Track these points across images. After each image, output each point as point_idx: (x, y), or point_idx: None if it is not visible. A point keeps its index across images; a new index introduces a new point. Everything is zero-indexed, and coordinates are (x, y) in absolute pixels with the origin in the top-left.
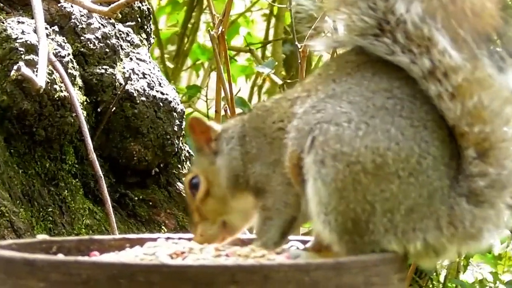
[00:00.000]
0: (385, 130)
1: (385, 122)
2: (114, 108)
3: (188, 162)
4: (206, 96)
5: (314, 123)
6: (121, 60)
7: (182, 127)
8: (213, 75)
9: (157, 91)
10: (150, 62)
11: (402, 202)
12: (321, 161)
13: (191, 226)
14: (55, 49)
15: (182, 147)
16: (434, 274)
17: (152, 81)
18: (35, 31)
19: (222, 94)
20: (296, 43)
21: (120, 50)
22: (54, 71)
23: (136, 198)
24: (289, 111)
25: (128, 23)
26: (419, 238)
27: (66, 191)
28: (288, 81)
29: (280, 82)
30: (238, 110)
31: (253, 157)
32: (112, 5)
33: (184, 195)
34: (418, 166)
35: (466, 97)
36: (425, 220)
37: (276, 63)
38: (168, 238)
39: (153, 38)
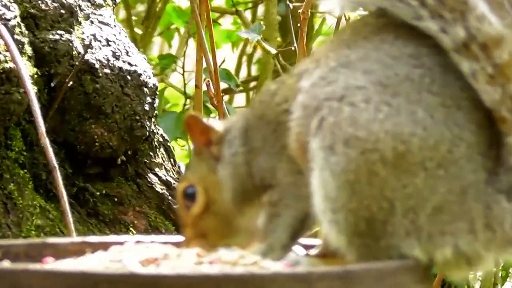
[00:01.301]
0: (410, 111)
1: (411, 100)
2: (71, 82)
3: (161, 149)
4: (183, 68)
5: (323, 99)
6: (80, 23)
7: (155, 105)
8: (191, 43)
9: (123, 62)
10: (115, 26)
11: (428, 199)
12: (330, 146)
13: (182, 242)
14: None
15: (155, 131)
16: (466, 287)
17: (118, 49)
18: None
19: (204, 65)
20: (288, 2)
21: (79, 11)
22: None
23: (98, 193)
24: (294, 87)
25: None
26: (449, 244)
27: (11, 184)
28: (284, 49)
29: (273, 51)
30: (223, 85)
31: (257, 151)
32: None
33: (159, 190)
34: (449, 156)
35: (509, 79)
36: (456, 222)
37: (264, 27)
38: (137, 242)
39: None
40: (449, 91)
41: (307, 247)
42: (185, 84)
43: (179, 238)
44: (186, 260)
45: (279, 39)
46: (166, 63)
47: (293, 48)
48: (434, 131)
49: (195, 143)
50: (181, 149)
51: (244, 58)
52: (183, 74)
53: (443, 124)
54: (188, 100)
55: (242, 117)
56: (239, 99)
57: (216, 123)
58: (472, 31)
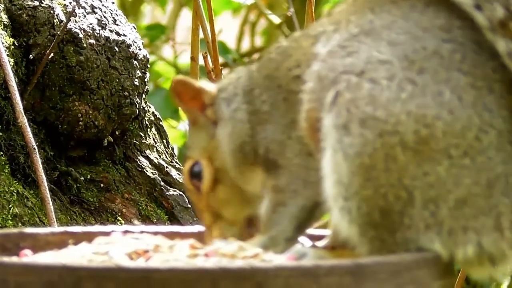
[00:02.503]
0: (436, 91)
1: (438, 79)
2: (52, 54)
3: (153, 129)
4: (173, 39)
5: (341, 71)
6: None
7: (146, 80)
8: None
9: (111, 31)
10: None
11: (452, 190)
12: (345, 125)
13: (204, 231)
14: None
15: (146, 108)
16: (494, 284)
17: (104, 17)
18: None
19: (201, 35)
20: None
21: None
22: None
23: (83, 178)
24: (309, 51)
25: None
26: (471, 241)
27: None
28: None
29: (277, 20)
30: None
31: (264, 116)
32: None
33: (150, 175)
34: (476, 144)
35: None
36: (481, 217)
37: None
38: (126, 232)
39: None
40: (481, 71)
41: (314, 238)
42: (175, 56)
43: (172, 228)
44: (179, 252)
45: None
46: (155, 34)
47: (288, 14)
48: (461, 115)
49: (188, 111)
50: (173, 130)
51: (247, 27)
52: (173, 46)
53: (472, 107)
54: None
55: (245, 74)
56: None
57: (207, 84)
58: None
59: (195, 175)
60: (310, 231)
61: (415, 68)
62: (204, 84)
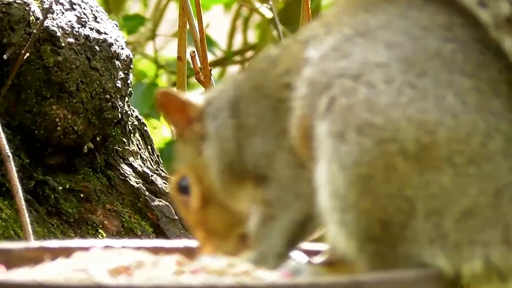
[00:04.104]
0: (438, 95)
1: (439, 82)
2: (27, 54)
3: (137, 134)
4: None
5: (335, 75)
6: None
7: (129, 82)
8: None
9: (91, 29)
10: None
11: (456, 201)
12: (340, 133)
13: (197, 247)
14: None
15: (129, 112)
16: None
17: (84, 14)
18: None
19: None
20: None
21: None
22: None
23: (61, 188)
24: (300, 57)
25: None
26: (478, 255)
27: None
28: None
29: (269, 14)
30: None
31: (251, 130)
32: None
33: (134, 184)
34: (482, 150)
35: None
36: (488, 229)
37: None
38: (106, 248)
39: None
40: (486, 73)
41: (309, 253)
42: (156, 51)
43: (157, 242)
44: (164, 269)
45: None
46: (133, 25)
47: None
48: (465, 120)
49: (174, 124)
50: (153, 130)
51: (239, 22)
52: (153, 38)
53: (476, 112)
54: (161, 71)
55: (231, 85)
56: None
57: (194, 96)
58: None
59: (182, 190)
60: (306, 246)
61: (414, 70)
62: (191, 96)
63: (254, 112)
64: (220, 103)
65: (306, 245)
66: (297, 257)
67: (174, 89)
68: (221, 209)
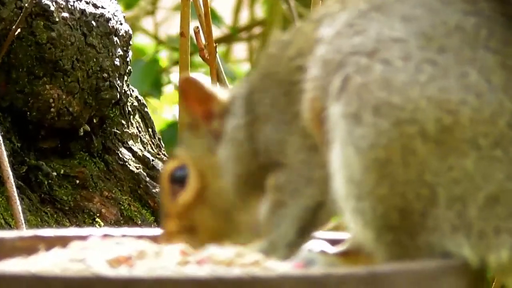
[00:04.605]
0: (460, 72)
1: (462, 58)
2: (19, 30)
3: (137, 116)
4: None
5: (349, 52)
6: None
7: (128, 59)
8: None
9: (87, 3)
10: None
11: (481, 186)
12: (355, 115)
13: (161, 236)
14: None
15: (128, 92)
16: None
17: None
18: None
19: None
20: None
21: None
22: None
23: (55, 174)
24: (312, 37)
25: None
26: (506, 244)
27: None
28: None
29: None
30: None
31: (263, 119)
32: None
33: (133, 170)
34: (509, 132)
35: None
36: None
37: None
38: (105, 236)
39: None
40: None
41: (325, 242)
42: (156, 24)
43: (158, 231)
44: (168, 259)
45: None
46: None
47: None
48: (490, 100)
49: (190, 113)
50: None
51: None
52: (153, 12)
53: (502, 90)
54: (161, 46)
55: (247, 79)
56: (239, 51)
57: (220, 91)
58: None
59: (177, 179)
60: (321, 234)
61: (434, 46)
62: (218, 90)
63: (266, 101)
64: (239, 101)
65: (327, 234)
66: (310, 246)
67: (201, 76)
68: (215, 214)
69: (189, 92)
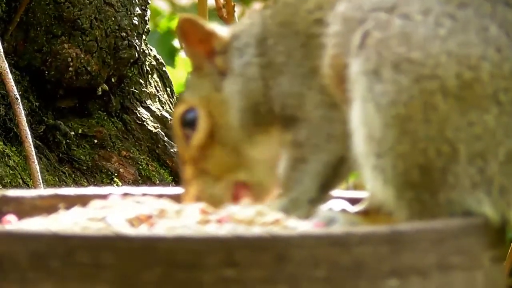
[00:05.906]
0: (480, 27)
1: (482, 13)
2: None
3: (155, 75)
4: None
5: (370, 9)
6: None
7: (146, 18)
8: None
9: None
10: None
11: (502, 142)
12: (375, 71)
13: (181, 183)
14: None
15: (147, 51)
16: None
17: None
18: None
19: None
20: None
21: None
22: None
23: (73, 133)
24: None
25: None
26: None
27: None
28: None
29: None
30: None
31: (278, 68)
32: None
33: (151, 129)
34: None
35: None
36: None
37: None
38: (125, 195)
39: None
40: None
41: (345, 201)
42: None
43: (178, 190)
44: (188, 218)
45: None
46: None
47: None
48: (510, 55)
49: (193, 55)
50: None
51: None
52: None
53: None
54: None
55: (258, 21)
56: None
57: (219, 28)
58: None
59: (187, 123)
60: (341, 193)
61: (454, 0)
62: (216, 27)
63: (282, 49)
64: (247, 39)
65: (346, 193)
66: (330, 205)
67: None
68: (227, 151)
69: (189, 32)
